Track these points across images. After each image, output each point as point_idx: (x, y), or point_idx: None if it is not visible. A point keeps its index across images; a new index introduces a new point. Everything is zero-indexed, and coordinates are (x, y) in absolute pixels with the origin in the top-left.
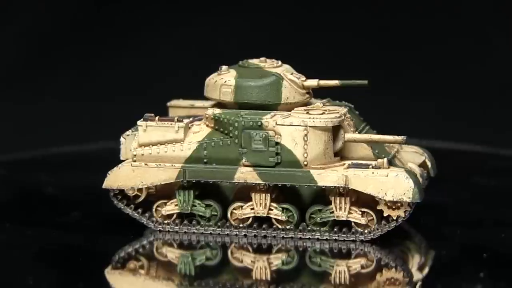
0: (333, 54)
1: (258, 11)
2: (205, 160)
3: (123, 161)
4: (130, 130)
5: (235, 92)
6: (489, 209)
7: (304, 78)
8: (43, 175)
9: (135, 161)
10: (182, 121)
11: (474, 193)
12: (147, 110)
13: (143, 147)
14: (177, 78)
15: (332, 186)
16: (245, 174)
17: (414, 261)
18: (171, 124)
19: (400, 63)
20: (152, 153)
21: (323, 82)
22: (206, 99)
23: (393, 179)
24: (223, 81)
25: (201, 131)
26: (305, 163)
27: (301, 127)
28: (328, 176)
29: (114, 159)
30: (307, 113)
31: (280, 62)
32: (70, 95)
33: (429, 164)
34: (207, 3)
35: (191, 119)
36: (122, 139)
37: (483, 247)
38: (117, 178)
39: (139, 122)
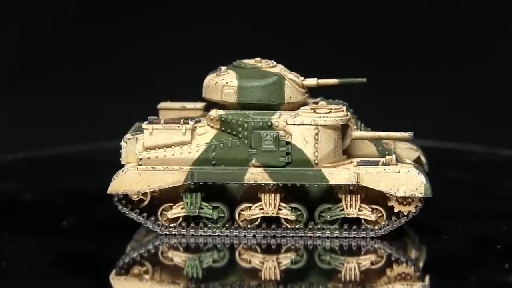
0: (333, 54)
1: (251, 11)
2: (213, 162)
3: (123, 165)
4: (129, 134)
5: (238, 92)
6: (477, 202)
7: (302, 78)
8: (31, 180)
9: (141, 164)
10: (188, 123)
11: (457, 188)
12: (145, 110)
13: (149, 150)
14: (177, 78)
15: (344, 184)
16: (255, 175)
17: (426, 255)
18: (178, 126)
19: (400, 63)
20: (159, 156)
21: (322, 81)
22: (195, 100)
23: (405, 175)
24: (225, 82)
25: (206, 132)
26: (316, 162)
27: (312, 126)
28: (340, 174)
29: (107, 161)
30: (315, 112)
31: (274, 62)
32: (69, 94)
33: (423, 160)
34: (204, 3)
35: (194, 121)
36: (123, 143)
37: (493, 239)
38: (123, 183)
39: (144, 125)
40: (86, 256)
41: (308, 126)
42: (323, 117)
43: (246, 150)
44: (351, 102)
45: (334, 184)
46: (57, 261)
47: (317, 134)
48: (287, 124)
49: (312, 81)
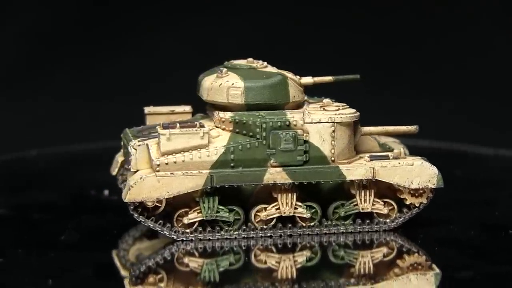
0: (332, 53)
1: (243, 12)
2: (232, 164)
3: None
4: (136, 140)
5: (246, 93)
6: (482, 194)
7: (298, 77)
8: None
9: (158, 171)
10: (204, 126)
11: (459, 184)
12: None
13: (166, 156)
14: (176, 78)
15: (359, 180)
16: (274, 175)
17: (435, 244)
18: (195, 130)
19: (400, 63)
20: (177, 161)
21: (318, 79)
22: (178, 104)
23: (419, 167)
24: (230, 84)
25: (220, 135)
26: (333, 159)
27: (329, 124)
28: (356, 170)
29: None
30: (324, 109)
31: (266, 63)
32: (69, 94)
33: (407, 152)
34: (204, 3)
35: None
36: (132, 149)
37: (502, 226)
38: (141, 190)
39: (161, 131)
40: (99, 267)
41: (325, 124)
42: (339, 114)
43: (264, 150)
44: (352, 102)
45: (349, 180)
46: (68, 273)
47: (333, 131)
48: (305, 122)
49: (308, 80)
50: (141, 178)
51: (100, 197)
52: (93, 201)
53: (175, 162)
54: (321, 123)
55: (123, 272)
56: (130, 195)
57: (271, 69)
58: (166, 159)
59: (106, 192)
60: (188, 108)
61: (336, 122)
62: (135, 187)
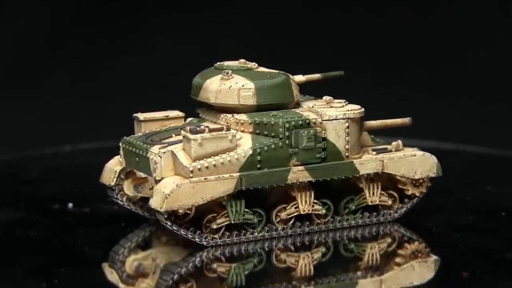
0: (332, 54)
1: (236, 12)
2: (258, 166)
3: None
4: (156, 147)
5: (257, 94)
6: (476, 191)
7: (291, 76)
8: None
9: (191, 177)
10: (230, 129)
11: (454, 181)
12: (144, 110)
13: (197, 161)
14: (177, 78)
15: (371, 173)
16: (297, 174)
17: (434, 232)
18: (225, 133)
19: (400, 63)
20: (209, 166)
21: (308, 77)
22: (164, 109)
23: (421, 158)
24: (240, 85)
25: (242, 137)
26: (347, 154)
27: (344, 120)
28: (369, 164)
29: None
30: (331, 106)
31: (256, 64)
32: (69, 94)
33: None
34: (203, 4)
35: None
36: (157, 157)
37: (492, 210)
38: (178, 198)
39: (192, 136)
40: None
41: (340, 121)
42: (351, 110)
43: (287, 150)
44: (351, 101)
45: (360, 175)
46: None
47: (347, 127)
48: (323, 120)
49: (301, 78)
50: (177, 185)
51: (75, 210)
52: (75, 215)
53: (207, 167)
54: (337, 119)
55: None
56: (167, 204)
57: (262, 69)
58: (199, 164)
59: (70, 205)
60: (180, 113)
61: (350, 118)
62: (172, 195)
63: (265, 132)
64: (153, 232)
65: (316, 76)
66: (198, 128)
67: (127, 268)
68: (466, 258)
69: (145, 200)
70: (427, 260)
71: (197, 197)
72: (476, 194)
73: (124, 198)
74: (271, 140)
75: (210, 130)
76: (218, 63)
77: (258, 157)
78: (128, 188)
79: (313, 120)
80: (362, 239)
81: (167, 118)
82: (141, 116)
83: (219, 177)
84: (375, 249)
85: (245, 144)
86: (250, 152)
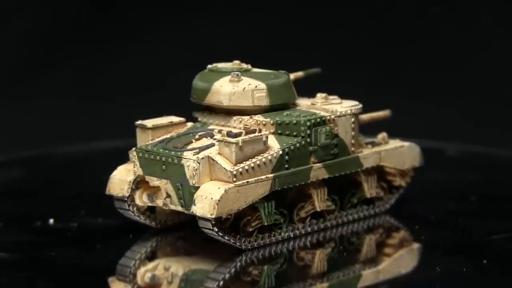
0: (333, 54)
1: (232, 13)
2: (286, 166)
3: (194, 186)
4: (190, 152)
5: (269, 95)
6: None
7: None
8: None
9: (235, 181)
10: (261, 131)
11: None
12: (144, 111)
13: (238, 164)
14: (176, 78)
15: (371, 166)
16: (317, 171)
17: (417, 220)
18: (259, 135)
19: (400, 63)
20: (248, 169)
21: (295, 74)
22: (160, 111)
23: (408, 149)
24: (254, 86)
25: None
26: (352, 149)
27: (350, 116)
28: (371, 158)
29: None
30: (331, 104)
31: (250, 66)
32: (69, 94)
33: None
34: (203, 4)
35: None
36: (195, 163)
37: (466, 197)
38: (226, 204)
39: (233, 140)
40: None
41: (348, 116)
42: (355, 106)
43: (308, 148)
44: (353, 99)
45: (358, 169)
46: None
47: (353, 122)
48: (335, 116)
49: (292, 77)
50: (225, 191)
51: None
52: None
53: (247, 171)
54: (346, 115)
55: None
56: (218, 210)
57: (257, 70)
58: (241, 168)
59: (51, 221)
60: (182, 119)
61: (354, 114)
62: (222, 200)
63: (287, 132)
64: (158, 241)
65: (300, 74)
66: (234, 132)
67: (139, 280)
68: (449, 244)
69: (152, 209)
70: (412, 247)
71: (241, 201)
72: (453, 182)
73: (135, 209)
74: (295, 140)
75: (247, 133)
76: (213, 64)
77: (286, 157)
78: (139, 198)
79: (328, 117)
80: (362, 231)
81: (172, 124)
82: (148, 123)
83: (257, 179)
84: (371, 240)
85: (275, 145)
86: (280, 152)
